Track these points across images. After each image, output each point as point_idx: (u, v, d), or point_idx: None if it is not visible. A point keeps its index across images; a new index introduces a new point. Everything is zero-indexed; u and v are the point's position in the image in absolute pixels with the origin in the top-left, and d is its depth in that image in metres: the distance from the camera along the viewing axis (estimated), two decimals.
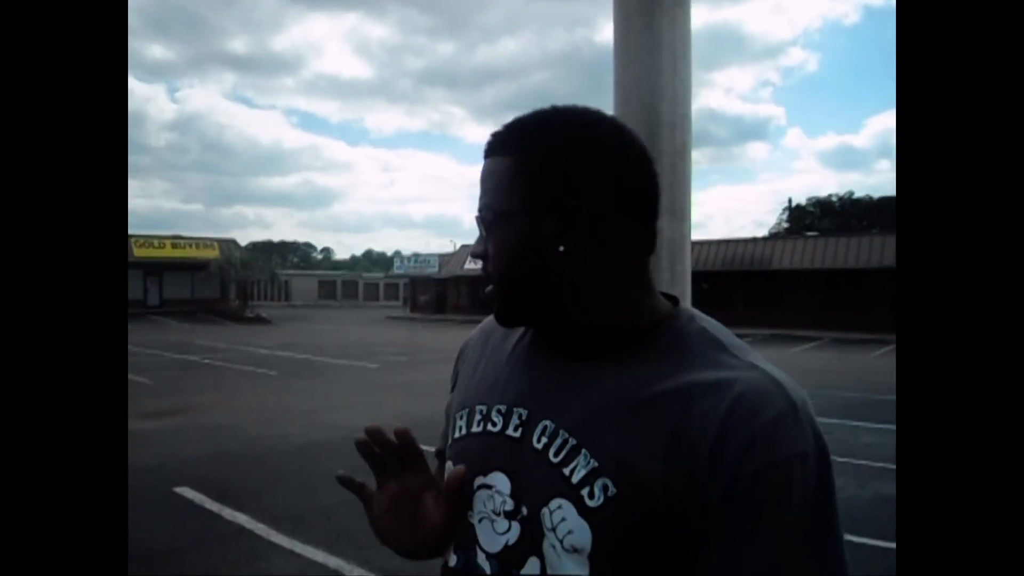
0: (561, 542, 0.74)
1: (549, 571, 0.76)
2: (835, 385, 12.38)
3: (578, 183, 0.79)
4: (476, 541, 0.82)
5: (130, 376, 12.88)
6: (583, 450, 0.75)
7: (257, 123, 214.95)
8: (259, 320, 33.62)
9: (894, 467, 6.72)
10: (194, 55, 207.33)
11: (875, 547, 4.57)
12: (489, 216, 0.82)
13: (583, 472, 0.74)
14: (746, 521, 0.69)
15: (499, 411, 0.84)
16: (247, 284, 38.20)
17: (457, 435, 0.89)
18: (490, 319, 0.95)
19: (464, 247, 41.94)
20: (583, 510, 0.73)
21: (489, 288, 0.84)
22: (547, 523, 0.76)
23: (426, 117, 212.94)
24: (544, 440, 0.78)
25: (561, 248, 0.78)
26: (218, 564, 4.33)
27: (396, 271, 47.09)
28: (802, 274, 27.40)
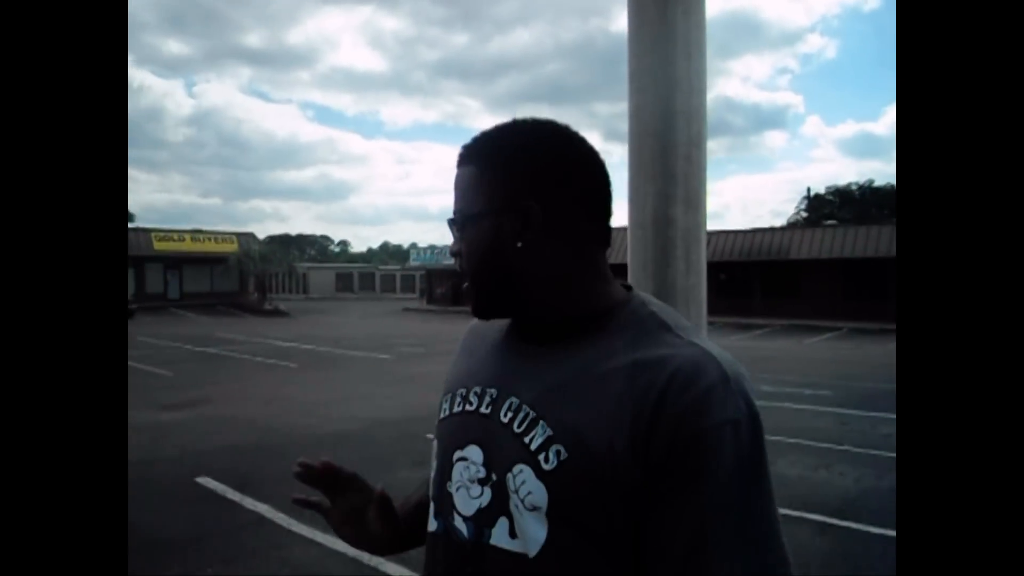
0: (523, 502, 0.83)
1: (517, 528, 0.85)
2: (852, 376, 12.28)
3: (532, 186, 0.89)
4: (454, 507, 0.92)
5: (151, 368, 13.07)
6: (540, 421, 0.85)
7: (273, 117, 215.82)
8: (278, 313, 33.85)
9: None
10: (210, 50, 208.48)
11: (891, 537, 4.54)
12: (459, 219, 0.93)
13: (540, 440, 0.83)
14: (682, 482, 0.76)
15: (475, 392, 0.94)
16: (265, 277, 38.49)
17: (442, 416, 1.00)
18: (474, 325, 1.07)
19: None
20: (540, 473, 0.82)
21: (465, 284, 0.94)
22: (511, 486, 0.85)
23: (440, 109, 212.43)
24: (510, 414, 0.88)
25: (519, 244, 0.89)
26: (239, 553, 4.40)
27: (413, 263, 47.25)
28: (820, 264, 27.12)
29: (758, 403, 0.81)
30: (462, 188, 0.94)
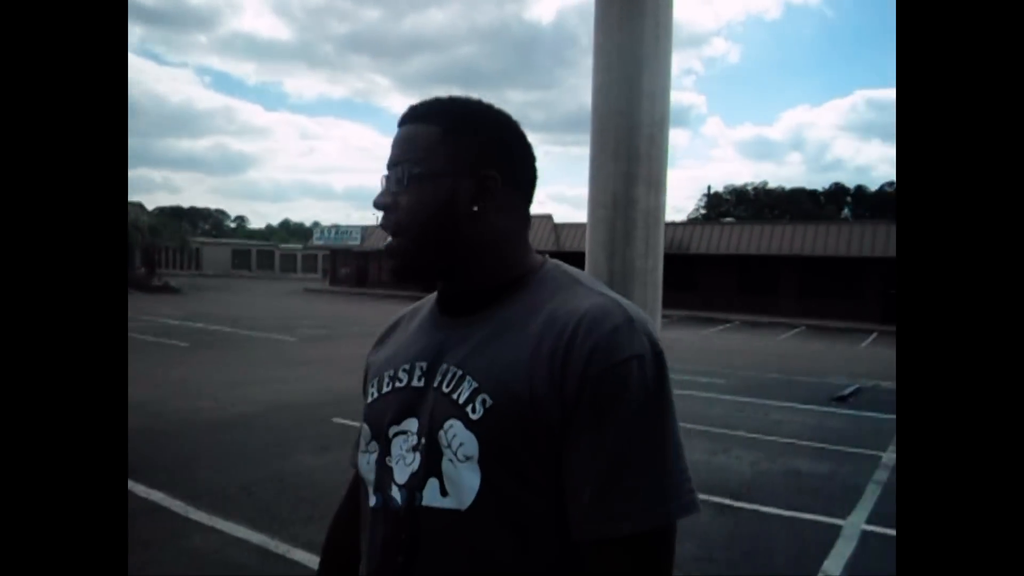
0: (456, 454, 0.87)
1: (448, 485, 0.88)
2: (744, 366, 12.97)
3: (492, 157, 0.95)
4: (392, 478, 0.94)
5: None
6: (467, 377, 0.89)
7: (166, 81, 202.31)
8: (167, 289, 31.92)
9: (803, 443, 7.12)
10: None
11: (785, 517, 4.83)
12: (409, 173, 0.93)
13: (467, 393, 0.88)
14: (595, 415, 0.83)
15: (404, 369, 0.97)
16: (154, 251, 36.22)
17: (370, 399, 1.02)
18: (395, 318, 1.12)
19: None
20: (468, 423, 0.87)
21: (393, 240, 0.95)
22: (443, 442, 0.88)
23: (349, 85, 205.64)
24: (439, 379, 0.92)
25: (475, 208, 0.93)
26: (133, 543, 4.11)
27: (316, 242, 45.73)
28: (717, 259, 28.48)
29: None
30: (416, 144, 0.94)
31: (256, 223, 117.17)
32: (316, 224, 49.37)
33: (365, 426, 1.01)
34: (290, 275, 59.17)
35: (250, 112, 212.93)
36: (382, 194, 0.96)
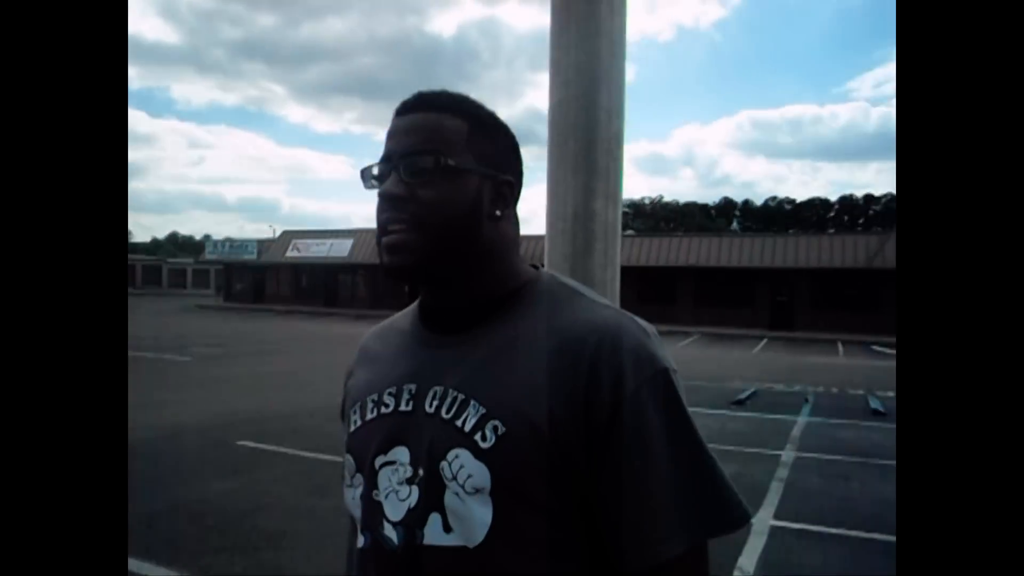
0: (463, 487, 0.80)
1: (452, 520, 0.80)
2: None
3: (510, 163, 0.91)
4: (383, 515, 0.85)
5: None
6: (471, 401, 0.82)
7: None
8: None
9: (709, 445, 7.41)
10: None
11: None
12: (438, 164, 0.84)
13: (474, 419, 0.81)
14: (631, 436, 0.78)
15: (390, 393, 0.89)
16: None
17: (352, 428, 0.93)
18: (367, 338, 1.02)
19: (286, 233, 39.83)
20: (478, 452, 0.79)
21: (403, 235, 0.84)
22: (447, 474, 0.81)
23: (242, 92, 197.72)
24: (435, 403, 0.84)
25: (497, 213, 0.88)
26: None
27: (208, 256, 43.54)
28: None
29: None
30: (446, 137, 0.86)
31: (140, 236, 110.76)
32: (208, 237, 47.08)
33: (349, 457, 0.93)
34: (180, 291, 56.06)
35: (133, 118, 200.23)
36: (394, 182, 0.86)
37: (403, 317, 1.00)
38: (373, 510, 0.87)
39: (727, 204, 71.93)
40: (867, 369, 15.37)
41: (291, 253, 37.54)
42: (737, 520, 0.80)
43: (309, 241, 37.60)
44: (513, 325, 0.86)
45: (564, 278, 0.94)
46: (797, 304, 27.83)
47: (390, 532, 0.84)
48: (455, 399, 0.83)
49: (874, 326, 24.52)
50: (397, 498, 0.84)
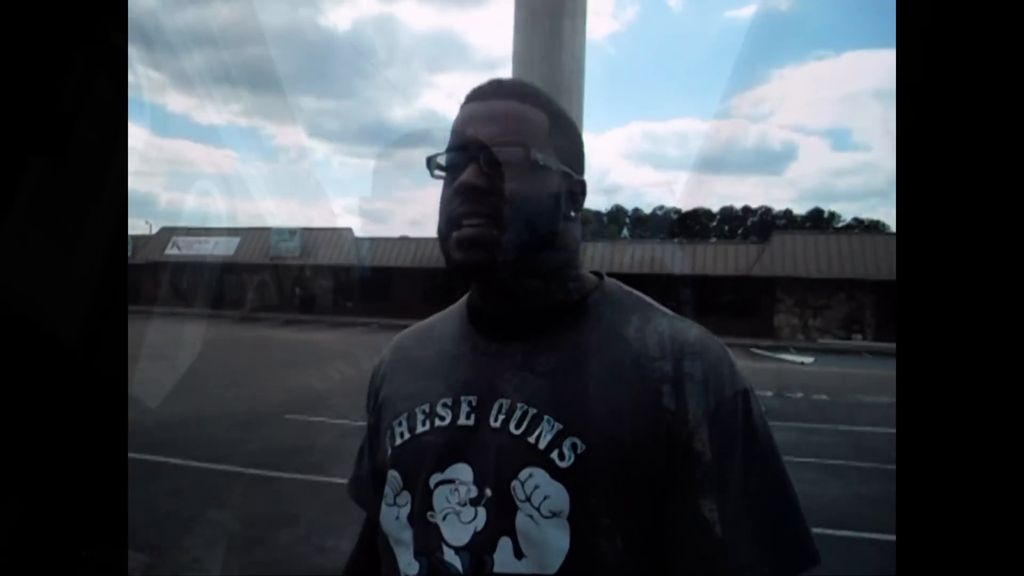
0: (539, 509, 0.74)
1: (524, 546, 0.74)
2: None
3: (581, 164, 0.88)
4: (442, 539, 0.78)
5: None
6: (545, 416, 0.76)
7: None
8: None
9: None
10: None
11: None
12: (528, 158, 0.79)
13: (549, 436, 0.75)
14: (718, 454, 0.73)
15: (444, 404, 0.82)
16: None
17: (400, 441, 0.85)
18: (403, 337, 0.96)
19: (165, 229, 37.33)
20: (555, 472, 0.74)
21: (477, 224, 0.78)
22: (520, 495, 0.75)
23: None
24: (502, 417, 0.78)
25: (573, 214, 0.84)
26: None
27: None
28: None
29: None
30: (531, 129, 0.81)
31: None
32: None
33: (394, 473, 0.84)
34: None
35: None
36: (474, 173, 0.78)
37: (446, 320, 0.93)
38: (429, 533, 0.79)
39: (618, 211, 74.57)
40: (747, 371, 16.15)
41: (170, 251, 35.25)
42: (810, 559, 0.74)
43: (191, 239, 35.48)
44: (580, 334, 0.81)
45: (628, 287, 0.89)
46: (683, 309, 29.11)
47: (452, 558, 0.77)
48: (525, 413, 0.77)
49: (753, 330, 26.17)
50: (459, 520, 0.77)
